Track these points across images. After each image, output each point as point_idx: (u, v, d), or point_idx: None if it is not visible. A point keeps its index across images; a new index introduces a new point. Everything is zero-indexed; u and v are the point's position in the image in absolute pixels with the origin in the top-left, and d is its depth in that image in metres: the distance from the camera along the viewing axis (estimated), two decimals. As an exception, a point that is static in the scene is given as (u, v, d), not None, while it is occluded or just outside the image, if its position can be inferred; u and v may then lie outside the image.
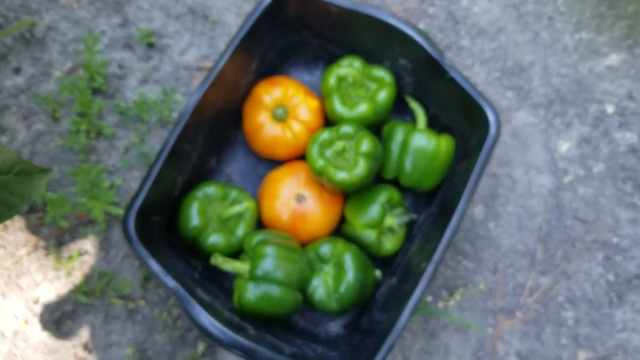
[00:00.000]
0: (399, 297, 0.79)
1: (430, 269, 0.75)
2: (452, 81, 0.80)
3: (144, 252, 0.73)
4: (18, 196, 0.47)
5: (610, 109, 0.93)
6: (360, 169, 0.79)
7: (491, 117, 0.77)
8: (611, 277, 0.89)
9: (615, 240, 0.90)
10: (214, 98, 0.82)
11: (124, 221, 0.74)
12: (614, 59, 0.95)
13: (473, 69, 0.96)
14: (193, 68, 0.95)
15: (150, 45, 0.95)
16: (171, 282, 0.72)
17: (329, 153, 0.82)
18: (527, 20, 0.97)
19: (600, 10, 0.97)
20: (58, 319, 0.86)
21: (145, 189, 0.76)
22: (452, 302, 0.89)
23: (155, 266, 0.73)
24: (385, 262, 0.88)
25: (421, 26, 0.98)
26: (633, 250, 0.89)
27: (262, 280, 0.76)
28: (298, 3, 0.83)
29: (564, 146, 0.93)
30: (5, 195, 0.46)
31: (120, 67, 0.94)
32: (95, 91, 0.92)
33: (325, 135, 0.82)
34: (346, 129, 0.81)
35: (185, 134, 0.79)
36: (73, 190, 0.81)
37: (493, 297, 0.89)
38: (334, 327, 0.88)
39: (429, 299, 0.89)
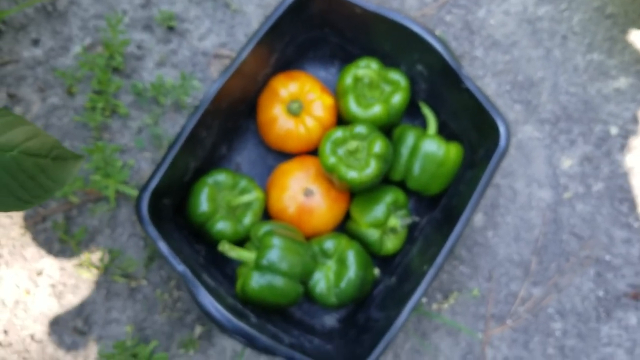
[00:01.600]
0: (397, 297, 0.81)
1: (431, 272, 0.77)
2: (467, 92, 0.82)
3: (155, 233, 0.75)
4: (53, 180, 0.48)
5: (614, 130, 0.96)
6: (371, 169, 0.81)
7: (502, 130, 0.80)
8: (601, 293, 0.92)
9: (607, 257, 0.93)
10: (233, 88, 0.83)
11: (138, 202, 0.76)
12: (622, 82, 0.97)
13: (484, 79, 0.98)
14: (210, 55, 0.96)
15: (170, 29, 0.95)
16: (180, 266, 0.73)
17: (341, 151, 0.83)
18: (541, 37, 0.99)
19: (612, 34, 0.99)
20: (60, 292, 0.87)
21: (160, 172, 0.77)
22: (445, 305, 0.91)
23: (165, 249, 0.74)
24: (384, 261, 0.91)
25: (436, 33, 0.99)
26: (624, 268, 0.92)
27: (267, 270, 0.77)
28: (324, 1, 0.84)
29: (567, 163, 0.95)
30: (42, 178, 0.47)
31: (139, 47, 0.94)
32: (113, 70, 0.92)
33: (339, 133, 0.83)
34: (360, 129, 0.83)
35: (203, 120, 0.80)
36: (86, 166, 0.82)
37: (485, 303, 0.92)
38: (329, 320, 0.90)
39: (424, 300, 0.92)
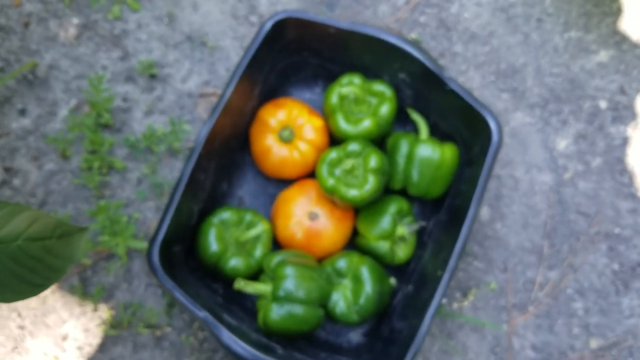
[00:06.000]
0: (417, 304, 0.82)
1: (446, 276, 0.78)
2: (452, 92, 0.83)
3: (170, 284, 0.75)
4: (62, 259, 0.49)
5: (603, 104, 0.97)
6: (370, 185, 0.82)
7: (493, 125, 0.80)
8: (616, 267, 0.93)
9: (617, 230, 0.93)
10: (223, 126, 0.84)
11: (149, 255, 0.77)
12: (603, 55, 0.98)
13: (468, 74, 0.99)
14: (196, 95, 0.97)
15: (152, 76, 0.96)
16: (201, 313, 0.74)
17: (338, 172, 0.84)
18: (516, 22, 1.00)
19: (586, 9, 1.00)
20: (88, 353, 0.88)
21: (166, 222, 0.78)
22: (466, 303, 0.92)
23: (183, 297, 0.75)
24: (399, 270, 0.91)
25: (413, 35, 1.00)
26: (635, 239, 0.93)
27: (284, 300, 0.78)
28: (297, 27, 0.85)
29: (562, 143, 0.96)
30: (50, 259, 0.48)
31: (125, 100, 0.95)
32: (103, 127, 0.94)
33: (334, 154, 0.84)
34: (353, 146, 0.84)
35: (200, 164, 0.81)
36: (93, 227, 0.83)
37: (505, 294, 0.92)
38: (355, 336, 0.91)
39: (444, 301, 0.92)
